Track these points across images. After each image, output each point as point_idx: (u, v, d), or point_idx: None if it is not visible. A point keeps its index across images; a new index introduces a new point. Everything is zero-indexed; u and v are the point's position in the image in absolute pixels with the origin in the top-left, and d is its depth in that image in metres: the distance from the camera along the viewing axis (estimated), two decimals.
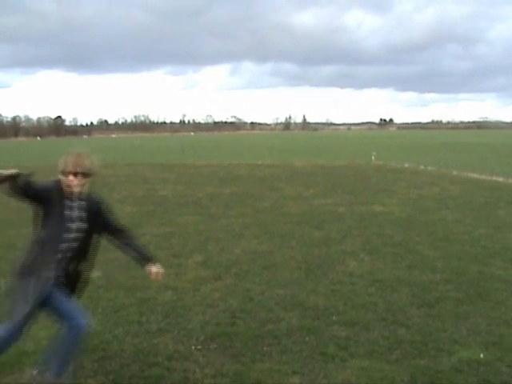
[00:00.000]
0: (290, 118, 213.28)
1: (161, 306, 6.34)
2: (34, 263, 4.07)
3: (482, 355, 4.99)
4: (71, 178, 4.09)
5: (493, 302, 6.46)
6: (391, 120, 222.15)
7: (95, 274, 7.71)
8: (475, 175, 22.10)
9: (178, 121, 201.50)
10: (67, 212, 4.14)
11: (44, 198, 4.04)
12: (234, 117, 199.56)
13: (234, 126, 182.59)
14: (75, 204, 4.19)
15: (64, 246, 4.13)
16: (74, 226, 4.17)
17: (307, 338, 5.43)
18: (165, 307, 6.33)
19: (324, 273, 7.75)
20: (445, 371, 4.71)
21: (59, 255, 4.13)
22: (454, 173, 23.11)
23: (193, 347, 5.21)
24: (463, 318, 5.93)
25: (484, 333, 5.54)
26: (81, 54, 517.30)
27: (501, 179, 20.54)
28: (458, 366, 4.80)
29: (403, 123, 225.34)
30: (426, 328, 5.67)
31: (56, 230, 4.10)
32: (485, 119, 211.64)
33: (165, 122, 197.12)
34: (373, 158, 30.63)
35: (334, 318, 5.98)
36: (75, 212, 4.19)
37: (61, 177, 4.12)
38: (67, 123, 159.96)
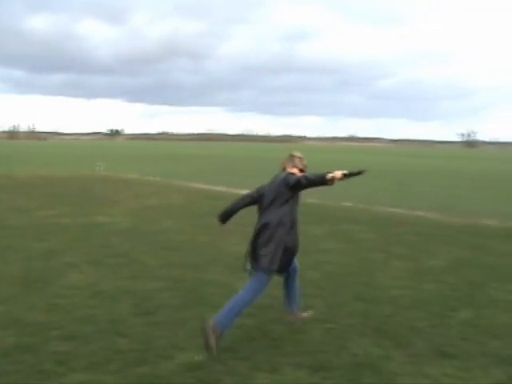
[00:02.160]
0: (17, 126, 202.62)
1: None
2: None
3: (199, 357, 5.22)
4: (300, 173, 5.83)
5: (210, 306, 6.75)
6: (121, 130, 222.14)
7: None
8: (198, 185, 23.08)
9: None
10: None
11: None
12: None
13: None
14: None
15: None
16: None
17: (25, 357, 5.17)
18: None
19: (44, 287, 7.48)
20: (164, 376, 4.84)
21: None
22: (179, 183, 23.88)
23: None
24: (182, 324, 6.14)
25: (201, 336, 5.80)
26: None
27: (222, 189, 21.73)
28: (177, 370, 4.97)
29: (132, 134, 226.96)
30: (146, 336, 5.76)
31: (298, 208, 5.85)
32: (211, 131, 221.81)
33: None
34: (99, 168, 30.36)
35: (54, 333, 5.79)
36: None
37: (295, 171, 5.87)
38: None
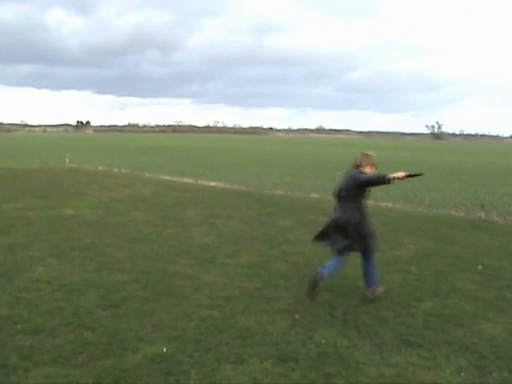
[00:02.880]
0: None
1: None
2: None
3: (164, 349, 5.23)
4: (372, 169, 6.66)
5: (177, 298, 6.78)
6: (88, 122, 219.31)
7: None
8: (167, 177, 22.95)
9: None
10: None
11: None
12: None
13: None
14: None
15: None
16: None
17: None
18: None
19: (9, 281, 7.37)
20: (129, 369, 4.83)
21: None
22: (147, 175, 23.73)
23: None
24: (148, 316, 6.13)
25: (168, 328, 5.79)
26: None
27: (190, 181, 21.66)
28: (143, 362, 4.96)
29: (100, 126, 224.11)
30: (112, 328, 5.74)
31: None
32: (179, 123, 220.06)
33: None
34: (67, 160, 30.03)
35: (19, 326, 5.73)
36: None
37: (368, 168, 6.61)
38: None
